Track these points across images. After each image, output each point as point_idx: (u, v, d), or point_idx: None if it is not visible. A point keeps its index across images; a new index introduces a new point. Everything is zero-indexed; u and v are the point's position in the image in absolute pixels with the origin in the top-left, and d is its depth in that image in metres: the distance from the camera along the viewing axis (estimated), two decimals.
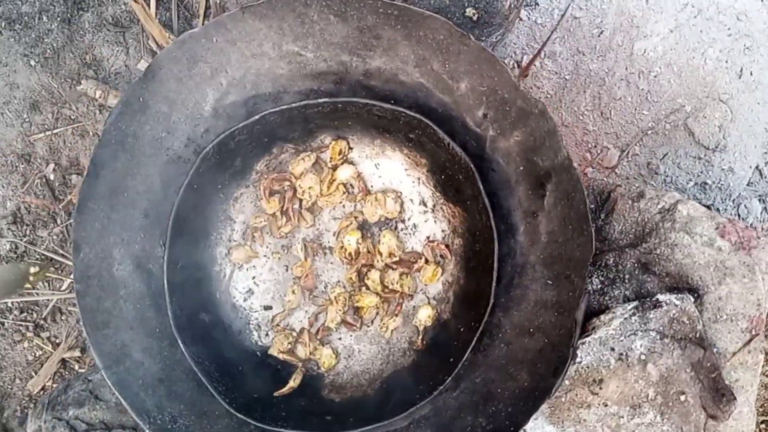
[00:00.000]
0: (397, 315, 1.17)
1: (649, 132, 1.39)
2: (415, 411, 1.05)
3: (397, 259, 1.17)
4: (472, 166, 1.05)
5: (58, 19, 1.51)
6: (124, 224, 1.07)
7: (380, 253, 1.17)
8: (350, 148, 1.19)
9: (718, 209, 1.39)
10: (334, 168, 1.18)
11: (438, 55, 1.02)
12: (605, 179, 1.36)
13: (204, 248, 1.18)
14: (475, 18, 1.17)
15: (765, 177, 1.42)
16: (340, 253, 1.18)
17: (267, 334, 1.20)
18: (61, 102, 1.52)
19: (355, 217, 1.18)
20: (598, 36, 1.40)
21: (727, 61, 1.36)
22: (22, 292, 1.44)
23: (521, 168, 1.04)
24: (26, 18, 1.51)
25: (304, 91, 1.09)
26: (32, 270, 1.27)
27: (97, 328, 1.05)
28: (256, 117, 1.08)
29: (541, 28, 1.42)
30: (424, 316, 1.15)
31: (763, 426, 1.40)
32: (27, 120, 1.52)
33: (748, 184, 1.40)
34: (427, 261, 1.16)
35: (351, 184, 1.20)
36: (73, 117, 1.52)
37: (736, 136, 1.37)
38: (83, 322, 1.04)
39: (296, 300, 1.18)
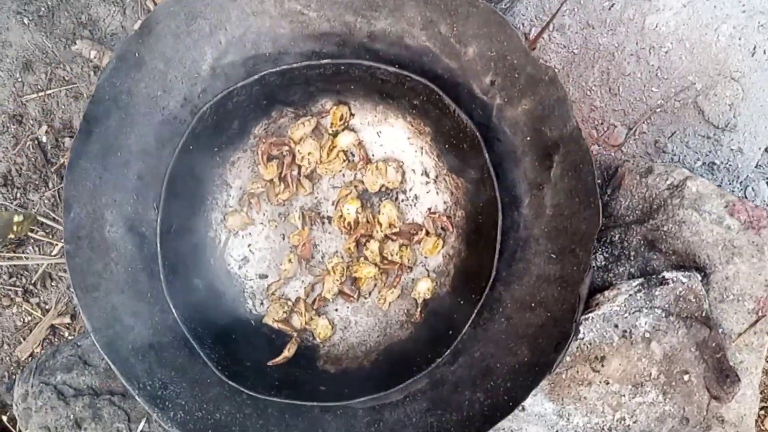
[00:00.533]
0: (395, 287, 1.14)
1: (658, 109, 1.36)
2: (412, 384, 1.03)
3: (397, 230, 1.14)
4: (477, 134, 1.01)
5: None
6: (117, 185, 1.04)
7: (380, 224, 1.14)
8: (352, 114, 1.15)
9: None
10: (335, 134, 1.15)
11: (446, 18, 0.99)
12: (612, 156, 1.33)
13: (199, 213, 1.15)
14: None
15: None
16: (339, 222, 1.15)
17: (262, 303, 1.17)
18: (55, 62, 1.47)
19: (355, 186, 1.15)
20: (609, 9, 1.36)
21: (740, 38, 1.33)
22: (6, 242, 1.41)
23: (528, 138, 1.00)
24: None
25: (306, 52, 1.05)
26: (16, 219, 1.23)
27: (86, 290, 1.02)
28: (255, 77, 1.04)
29: (551, 0, 1.38)
30: (423, 288, 1.12)
31: (762, 412, 1.38)
32: (19, 80, 1.48)
33: (756, 166, 1.37)
34: (427, 233, 1.13)
35: (352, 152, 1.16)
36: (66, 78, 1.48)
37: (746, 115, 1.34)
38: (73, 283, 1.01)
39: (292, 269, 1.16)
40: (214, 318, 1.10)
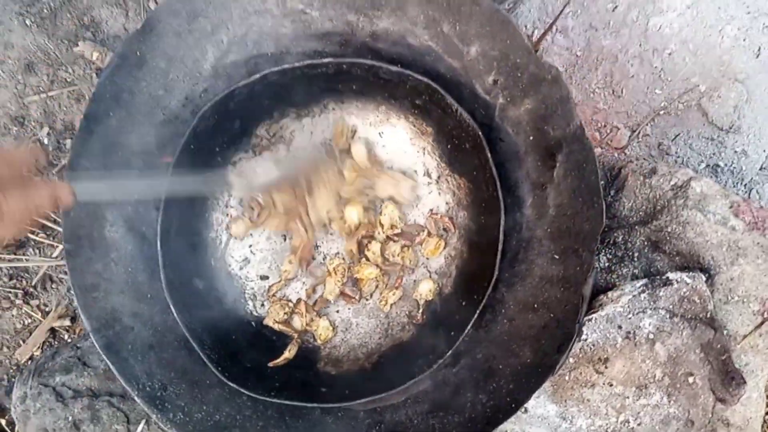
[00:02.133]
0: (397, 288, 1.13)
1: (662, 112, 1.35)
2: (413, 386, 1.02)
3: (399, 231, 1.13)
4: (480, 134, 1.01)
5: None
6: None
7: (381, 225, 1.13)
8: (352, 131, 1.15)
9: None
10: (347, 150, 1.14)
11: (448, 16, 0.98)
12: (615, 158, 1.33)
13: (200, 213, 1.14)
14: None
15: None
16: (340, 226, 1.14)
17: (262, 304, 1.16)
18: (57, 64, 1.47)
19: (367, 195, 1.14)
20: (613, 11, 1.36)
21: (745, 40, 1.32)
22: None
23: (531, 138, 1.00)
24: None
25: (308, 52, 1.05)
26: None
27: (86, 290, 1.01)
28: (257, 76, 1.03)
29: (554, 2, 1.38)
30: (425, 289, 1.11)
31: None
32: (21, 81, 1.48)
33: (761, 169, 1.37)
34: (429, 234, 1.12)
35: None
36: (69, 80, 1.47)
37: (751, 117, 1.33)
38: (72, 283, 1.00)
39: (293, 270, 1.15)
40: (214, 319, 1.09)
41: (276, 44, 1.05)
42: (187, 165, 1.06)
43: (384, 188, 1.13)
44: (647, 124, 1.36)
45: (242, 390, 1.01)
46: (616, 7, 1.36)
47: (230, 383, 1.01)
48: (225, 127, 1.10)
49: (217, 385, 1.03)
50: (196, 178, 1.02)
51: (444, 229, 1.14)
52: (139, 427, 1.15)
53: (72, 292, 1.00)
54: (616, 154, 1.34)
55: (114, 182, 0.83)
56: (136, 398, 1.00)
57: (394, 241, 1.14)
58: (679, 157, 1.35)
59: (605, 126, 1.39)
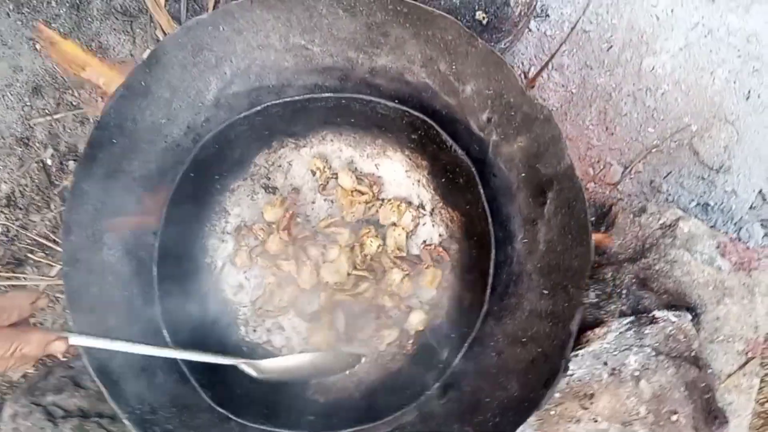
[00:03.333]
0: (392, 327, 1.14)
1: (654, 149, 1.38)
2: (401, 416, 1.03)
3: (403, 254, 1.15)
4: (473, 170, 1.03)
5: (67, 4, 1.51)
6: (118, 209, 1.05)
7: (386, 249, 1.15)
8: (328, 165, 1.19)
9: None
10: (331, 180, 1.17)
11: (445, 56, 1.01)
12: (607, 194, 1.35)
13: (196, 239, 1.16)
14: (484, 22, 1.17)
15: None
16: (355, 256, 1.16)
17: (254, 330, 1.18)
18: (64, 87, 1.51)
19: (371, 215, 1.18)
20: (607, 51, 1.40)
21: (735, 82, 1.36)
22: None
23: (523, 174, 1.02)
24: (35, 1, 1.51)
25: (309, 85, 1.08)
26: None
27: (81, 311, 1.02)
28: (259, 108, 1.06)
29: (550, 40, 1.42)
30: (416, 320, 1.13)
31: None
32: (28, 104, 1.51)
33: (750, 208, 1.39)
34: (427, 266, 1.14)
35: (360, 186, 1.18)
36: (74, 103, 1.51)
37: (741, 158, 1.36)
38: (68, 305, 1.01)
39: (275, 282, 1.16)
40: (206, 343, 1.10)
41: (277, 77, 1.07)
42: (187, 191, 1.09)
43: (387, 217, 1.15)
44: (640, 162, 1.39)
45: (231, 416, 1.02)
46: (610, 47, 1.39)
47: (219, 408, 1.02)
48: (225, 156, 1.13)
49: (207, 410, 1.04)
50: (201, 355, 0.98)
51: (435, 260, 1.15)
52: None
53: (67, 308, 1.01)
54: (608, 190, 1.37)
55: (110, 342, 0.84)
56: (125, 420, 1.00)
57: (398, 267, 1.15)
58: (670, 194, 1.37)
59: (598, 161, 1.41)
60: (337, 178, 1.17)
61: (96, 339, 0.79)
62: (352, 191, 1.16)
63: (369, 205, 1.17)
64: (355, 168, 1.19)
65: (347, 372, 1.12)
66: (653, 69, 1.38)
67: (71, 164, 1.49)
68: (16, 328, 0.69)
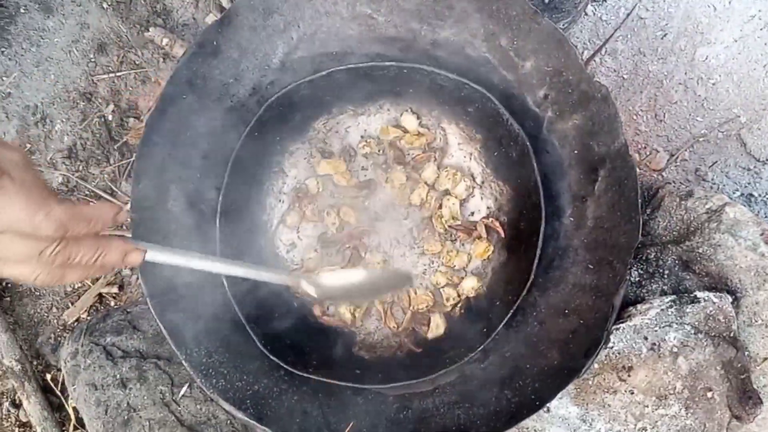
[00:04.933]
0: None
1: (701, 139, 1.40)
2: (442, 376, 1.07)
3: (459, 222, 1.18)
4: (528, 144, 1.06)
5: None
6: (184, 162, 1.11)
7: (442, 216, 1.19)
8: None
9: None
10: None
11: (507, 31, 1.04)
12: (654, 178, 1.37)
13: (255, 196, 1.21)
14: (546, 1, 1.19)
15: None
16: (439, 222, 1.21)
17: None
18: (128, 46, 1.56)
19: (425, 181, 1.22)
20: (662, 38, 1.41)
21: None
22: None
23: (576, 152, 1.05)
24: None
25: (371, 54, 1.12)
26: None
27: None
28: (322, 73, 1.10)
29: (606, 25, 1.43)
30: (469, 286, 1.17)
31: None
32: (93, 60, 1.57)
33: None
34: (479, 237, 1.18)
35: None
36: (137, 62, 1.56)
37: None
38: None
39: (316, 259, 1.21)
40: (261, 295, 1.16)
41: (341, 44, 1.11)
42: (250, 150, 1.14)
43: (442, 183, 1.19)
44: (686, 150, 1.40)
45: (282, 364, 1.07)
46: (665, 35, 1.40)
47: (271, 356, 1.08)
48: (286, 118, 1.17)
49: (259, 358, 1.09)
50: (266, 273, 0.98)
51: (488, 233, 1.18)
52: (183, 390, 1.22)
53: None
54: (654, 176, 1.39)
55: (186, 256, 0.85)
56: (183, 362, 1.06)
57: (453, 237, 1.19)
58: (714, 183, 1.39)
59: (645, 147, 1.43)
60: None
61: (171, 254, 0.81)
62: (416, 134, 1.20)
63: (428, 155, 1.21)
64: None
65: (401, 288, 1.17)
66: (706, 59, 1.39)
67: (131, 120, 1.55)
68: (99, 236, 0.69)
